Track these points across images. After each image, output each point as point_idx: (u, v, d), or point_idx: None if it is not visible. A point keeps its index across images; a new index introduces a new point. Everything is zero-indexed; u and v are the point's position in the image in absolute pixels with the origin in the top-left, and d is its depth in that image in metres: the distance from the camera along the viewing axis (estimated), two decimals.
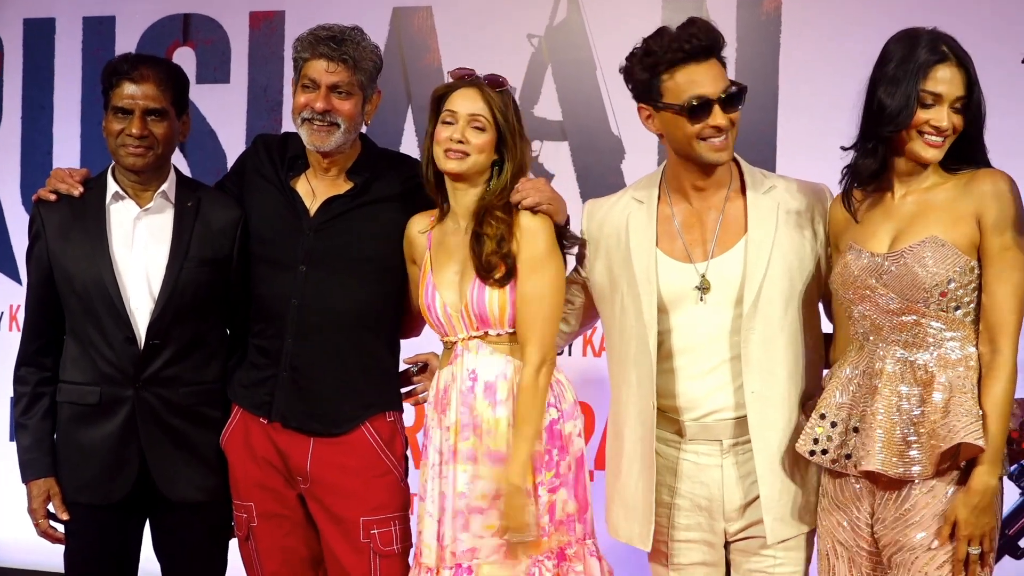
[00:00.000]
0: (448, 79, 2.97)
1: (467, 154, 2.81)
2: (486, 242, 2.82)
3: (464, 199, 2.88)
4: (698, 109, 2.66)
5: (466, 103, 2.84)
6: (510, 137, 2.87)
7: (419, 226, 2.98)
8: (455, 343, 2.87)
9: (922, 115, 2.53)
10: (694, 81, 2.67)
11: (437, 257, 2.90)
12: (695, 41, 2.67)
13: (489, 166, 2.87)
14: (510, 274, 2.82)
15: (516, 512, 2.77)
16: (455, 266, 2.87)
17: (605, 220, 2.87)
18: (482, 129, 2.83)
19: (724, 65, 2.74)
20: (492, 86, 2.87)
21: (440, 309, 2.86)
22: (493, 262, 2.80)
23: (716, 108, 2.66)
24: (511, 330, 2.86)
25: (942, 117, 2.52)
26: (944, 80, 2.53)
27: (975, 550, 2.49)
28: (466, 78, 2.89)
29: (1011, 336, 2.51)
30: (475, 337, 2.86)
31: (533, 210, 2.85)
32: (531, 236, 2.84)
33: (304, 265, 2.97)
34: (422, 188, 3.03)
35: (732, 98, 2.69)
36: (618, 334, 2.82)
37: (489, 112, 2.84)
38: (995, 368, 2.51)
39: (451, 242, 2.90)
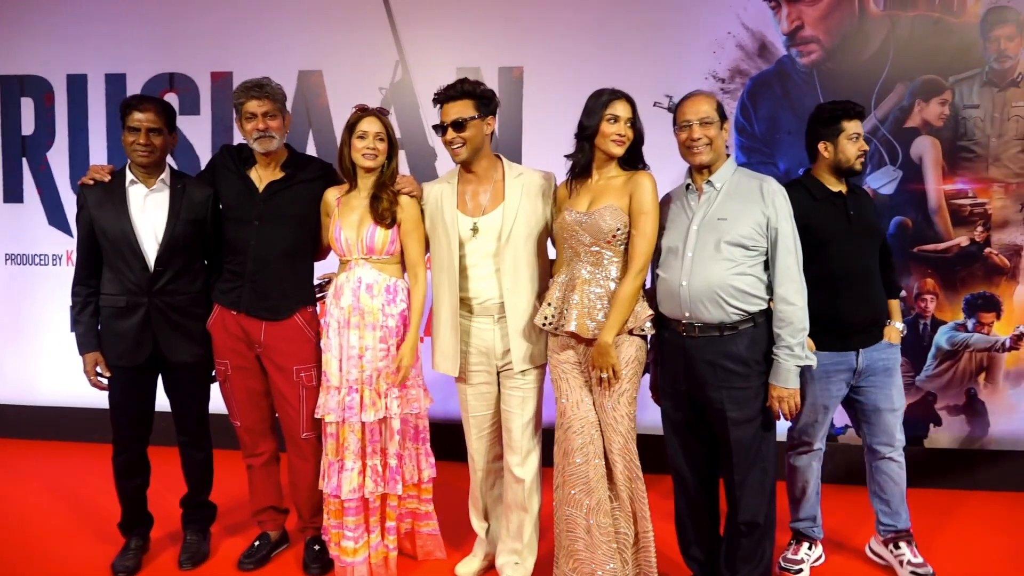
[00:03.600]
0: (351, 111, 3.03)
1: (376, 156, 2.98)
2: (383, 202, 2.97)
3: (367, 181, 3.04)
4: (440, 128, 2.87)
5: (372, 125, 2.97)
6: (393, 143, 3.03)
7: (332, 195, 3.11)
8: (349, 261, 3.04)
9: (610, 127, 2.67)
10: (443, 112, 2.86)
11: (343, 212, 3.06)
12: (449, 91, 2.85)
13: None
14: (391, 224, 2.97)
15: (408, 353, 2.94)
16: (356, 216, 3.02)
17: (430, 193, 3.04)
18: (383, 140, 2.98)
19: (480, 105, 2.83)
20: (382, 114, 3.01)
21: (344, 240, 3.02)
22: (385, 216, 2.96)
23: (449, 129, 2.84)
24: (385, 257, 3.00)
25: (621, 128, 2.68)
26: (620, 107, 2.69)
27: (604, 375, 2.67)
28: (368, 111, 3.01)
29: (640, 261, 2.66)
30: (363, 258, 3.01)
31: (409, 194, 3.02)
32: (410, 209, 3.01)
33: (257, 220, 3.10)
34: (325, 176, 3.18)
35: (458, 124, 2.82)
36: (437, 257, 3.00)
37: (384, 130, 2.99)
38: (627, 278, 2.67)
39: (354, 204, 3.04)
